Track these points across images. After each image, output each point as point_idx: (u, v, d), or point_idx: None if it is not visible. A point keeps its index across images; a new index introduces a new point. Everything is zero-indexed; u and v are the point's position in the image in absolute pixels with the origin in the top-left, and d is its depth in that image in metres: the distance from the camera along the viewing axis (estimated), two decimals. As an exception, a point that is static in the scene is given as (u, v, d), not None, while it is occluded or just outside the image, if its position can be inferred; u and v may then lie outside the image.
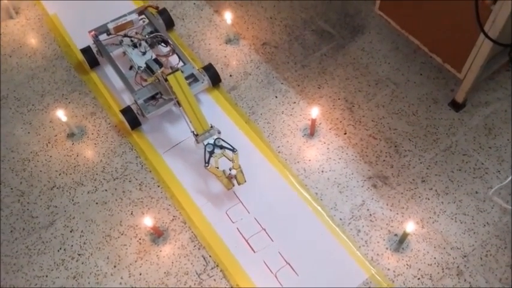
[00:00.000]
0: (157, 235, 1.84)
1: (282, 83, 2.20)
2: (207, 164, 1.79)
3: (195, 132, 1.89)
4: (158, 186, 1.97)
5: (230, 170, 1.84)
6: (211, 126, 1.89)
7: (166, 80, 1.91)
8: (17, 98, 2.24)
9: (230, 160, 1.82)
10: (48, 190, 1.98)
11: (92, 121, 2.15)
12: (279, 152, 2.02)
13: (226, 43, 2.35)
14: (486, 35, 1.68)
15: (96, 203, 1.94)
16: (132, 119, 2.07)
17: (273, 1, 2.46)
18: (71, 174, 2.02)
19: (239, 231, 1.85)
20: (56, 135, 2.12)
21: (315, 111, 1.95)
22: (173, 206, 1.91)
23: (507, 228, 1.78)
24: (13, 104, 2.22)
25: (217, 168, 1.81)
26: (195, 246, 1.82)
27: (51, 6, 2.52)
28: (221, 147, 1.83)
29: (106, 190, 1.97)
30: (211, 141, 1.83)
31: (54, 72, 2.31)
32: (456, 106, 2.05)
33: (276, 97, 2.17)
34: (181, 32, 2.40)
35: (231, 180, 1.86)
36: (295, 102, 2.15)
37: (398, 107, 2.10)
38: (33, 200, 1.96)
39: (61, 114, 2.05)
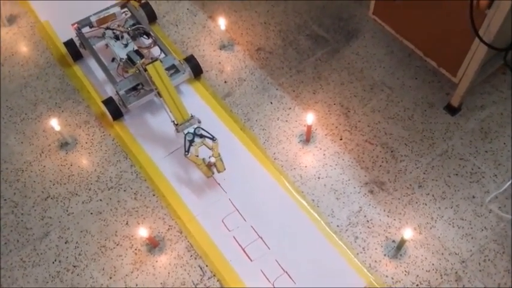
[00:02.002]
0: (153, 245, 1.82)
1: (277, 89, 2.19)
2: (186, 153, 1.82)
3: (175, 122, 1.90)
4: (153, 195, 1.95)
5: (210, 157, 1.85)
6: (191, 116, 1.90)
7: (145, 70, 1.93)
8: (9, 107, 2.21)
9: (210, 149, 1.84)
10: (42, 201, 1.96)
11: (85, 130, 2.13)
12: (274, 159, 2.01)
13: (221, 49, 2.33)
14: (481, 39, 1.67)
15: (91, 213, 1.92)
16: (114, 109, 2.08)
17: (266, 6, 2.45)
18: (65, 184, 1.99)
19: (236, 239, 1.83)
20: (49, 145, 2.09)
21: (310, 118, 1.93)
22: (169, 215, 1.90)
23: (505, 233, 1.78)
24: (6, 113, 2.19)
25: (197, 156, 1.83)
26: (191, 256, 1.81)
27: (43, 14, 2.50)
28: (201, 136, 1.85)
29: (101, 200, 1.95)
30: (191, 131, 1.85)
31: (47, 80, 2.29)
32: (452, 110, 2.05)
33: (271, 103, 2.16)
34: (175, 38, 2.38)
35: (210, 168, 1.88)
36: (290, 108, 2.13)
37: (394, 112, 2.09)
38: (27, 211, 1.94)
39: (54, 123, 2.03)
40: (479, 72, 1.85)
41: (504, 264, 1.72)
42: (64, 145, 2.09)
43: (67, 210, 1.93)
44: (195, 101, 2.16)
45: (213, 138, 1.84)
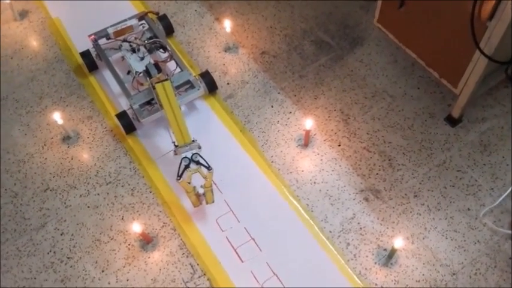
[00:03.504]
0: (147, 241, 1.85)
1: (278, 93, 2.20)
2: (179, 178, 1.75)
3: (175, 143, 1.86)
4: (150, 192, 1.97)
5: (200, 187, 1.80)
6: (193, 140, 1.85)
7: (154, 87, 1.93)
8: (16, 99, 2.26)
9: (204, 177, 1.78)
10: (42, 192, 1.99)
11: (88, 125, 2.17)
12: (272, 162, 2.02)
13: (225, 51, 2.35)
14: (481, 52, 1.66)
15: (88, 207, 1.95)
16: (127, 123, 2.08)
17: (273, 11, 2.47)
18: (64, 177, 2.03)
19: (228, 240, 1.85)
20: (52, 138, 2.13)
21: (308, 123, 1.94)
22: (164, 213, 1.92)
23: (498, 247, 1.76)
24: (12, 105, 2.24)
25: (189, 183, 1.77)
26: (183, 253, 1.82)
27: (54, 10, 2.55)
28: (197, 162, 1.78)
29: (98, 194, 1.98)
30: (189, 155, 1.79)
31: (54, 75, 2.33)
32: (452, 121, 2.04)
33: (272, 106, 2.17)
34: (181, 39, 2.41)
35: (199, 198, 1.83)
36: (290, 112, 2.14)
37: (394, 121, 2.08)
38: (26, 201, 1.98)
39: (57, 117, 2.06)
40: (481, 84, 1.84)
41: (495, 278, 1.70)
42: (66, 139, 2.13)
43: (65, 203, 1.97)
44: (208, 117, 2.14)
45: (208, 168, 1.78)
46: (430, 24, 1.85)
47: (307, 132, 1.99)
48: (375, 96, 2.16)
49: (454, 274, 1.72)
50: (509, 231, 1.76)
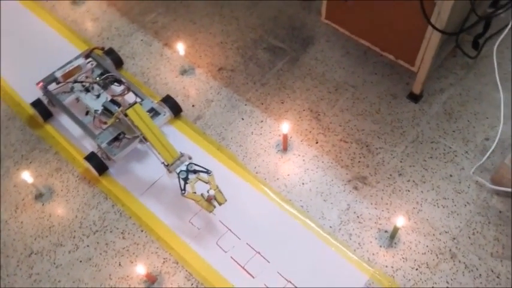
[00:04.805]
0: (151, 281, 1.78)
1: (245, 104, 2.22)
2: (183, 191, 1.77)
3: (165, 163, 1.84)
4: (142, 231, 1.91)
5: (208, 191, 1.80)
6: (181, 154, 1.85)
7: (126, 115, 1.88)
8: (-28, 167, 2.11)
9: (206, 182, 1.80)
10: (26, 258, 1.87)
11: (58, 177, 2.06)
12: (256, 173, 2.02)
13: (182, 74, 2.33)
14: (434, 27, 1.77)
15: (80, 261, 1.85)
16: (98, 164, 2.01)
17: (220, 26, 2.48)
18: (47, 236, 1.92)
19: (234, 259, 1.82)
20: (23, 199, 2.01)
21: (285, 127, 1.97)
22: (161, 248, 1.86)
23: (486, 204, 1.87)
24: (-30, 174, 2.09)
25: (195, 193, 1.78)
26: (192, 284, 1.78)
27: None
28: (195, 171, 1.80)
29: (88, 246, 1.89)
30: (184, 168, 1.81)
31: (8, 134, 2.20)
32: (414, 98, 2.14)
33: (243, 119, 2.18)
34: (134, 71, 2.36)
35: (211, 202, 1.83)
36: (262, 121, 2.16)
37: (361, 108, 2.16)
38: (12, 271, 1.84)
39: (26, 176, 1.95)
40: (436, 58, 1.96)
41: (492, 233, 1.80)
42: (39, 196, 2.01)
43: (54, 263, 1.86)
44: (179, 140, 2.10)
45: (207, 172, 1.80)
46: (379, 10, 1.94)
47: (285, 136, 2.01)
48: (337, 90, 2.22)
49: (454, 239, 1.81)
50: (496, 187, 1.86)
